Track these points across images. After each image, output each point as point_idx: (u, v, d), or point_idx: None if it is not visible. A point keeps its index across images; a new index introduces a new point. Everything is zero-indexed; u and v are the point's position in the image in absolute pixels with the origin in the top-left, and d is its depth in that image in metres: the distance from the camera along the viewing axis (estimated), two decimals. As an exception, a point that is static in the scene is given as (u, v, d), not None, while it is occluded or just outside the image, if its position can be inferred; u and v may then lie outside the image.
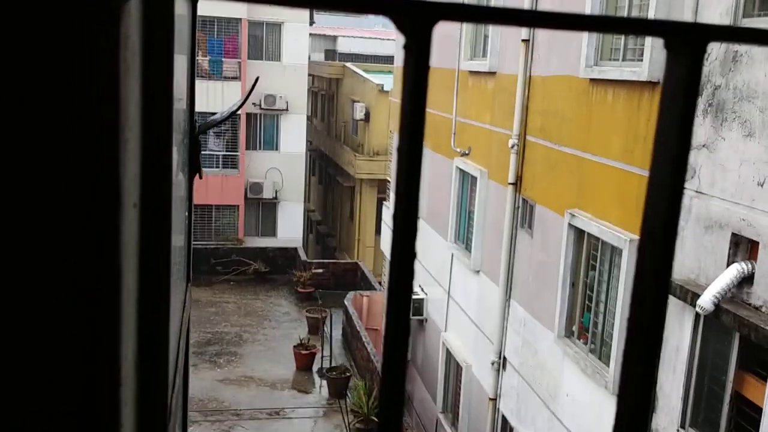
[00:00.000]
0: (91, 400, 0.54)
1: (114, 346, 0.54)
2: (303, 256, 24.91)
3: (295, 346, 17.90)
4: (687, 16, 6.85)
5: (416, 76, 0.40)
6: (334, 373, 16.65)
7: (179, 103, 1.46)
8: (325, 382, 16.84)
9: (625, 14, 8.15)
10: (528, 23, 0.42)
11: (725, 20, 6.41)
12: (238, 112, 25.34)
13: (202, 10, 24.60)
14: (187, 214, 1.73)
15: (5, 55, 0.47)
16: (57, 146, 0.49)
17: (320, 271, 23.16)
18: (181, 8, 1.37)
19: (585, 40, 8.65)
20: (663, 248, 0.47)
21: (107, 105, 0.49)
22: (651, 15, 7.40)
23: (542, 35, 10.01)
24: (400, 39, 0.40)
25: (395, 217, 0.41)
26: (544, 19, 0.42)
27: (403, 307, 0.43)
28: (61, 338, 0.52)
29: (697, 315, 6.57)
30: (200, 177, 1.80)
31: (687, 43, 0.46)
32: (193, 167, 1.72)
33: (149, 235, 0.72)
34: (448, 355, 13.34)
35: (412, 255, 0.42)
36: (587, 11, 8.58)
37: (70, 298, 0.52)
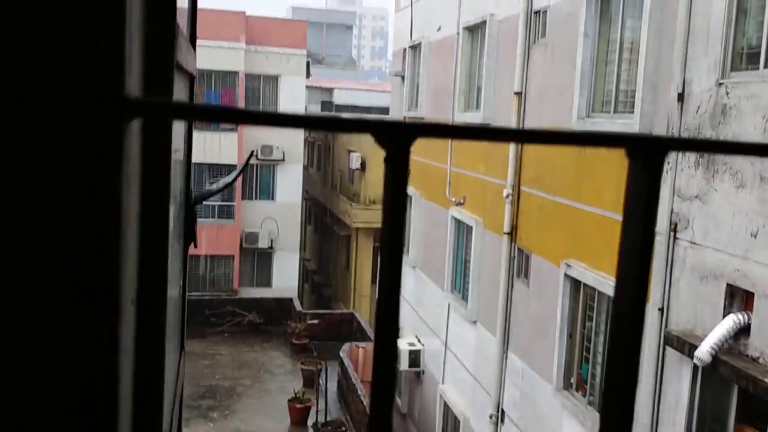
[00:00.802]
0: None
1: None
2: (298, 307, 24.76)
3: (289, 400, 17.65)
4: (676, 70, 6.98)
5: (395, 188, 0.42)
6: (329, 427, 16.38)
7: (176, 177, 1.48)
8: (320, 436, 16.55)
9: (615, 69, 8.30)
10: (494, 138, 0.44)
11: (713, 75, 6.53)
12: (235, 162, 25.51)
13: (200, 63, 25.00)
14: (181, 283, 1.74)
15: (13, 169, 0.50)
16: (59, 261, 0.51)
17: (315, 321, 22.99)
18: (178, 86, 1.41)
19: (577, 91, 8.79)
20: (630, 356, 0.49)
21: (109, 218, 0.52)
22: (641, 68, 7.54)
23: (534, 87, 10.18)
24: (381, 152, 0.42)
25: (376, 331, 0.42)
26: (512, 135, 0.44)
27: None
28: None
29: (695, 367, 6.52)
30: (195, 246, 1.82)
31: (647, 154, 0.49)
32: (189, 237, 1.73)
33: (144, 329, 0.74)
34: (446, 407, 13.17)
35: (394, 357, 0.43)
36: (578, 65, 8.74)
37: (69, 403, 0.53)
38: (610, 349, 0.54)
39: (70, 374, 0.53)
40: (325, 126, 0.40)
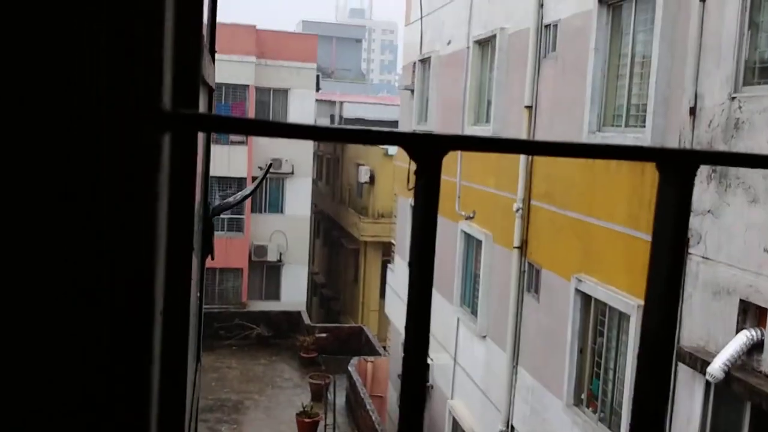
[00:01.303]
0: None
1: None
2: (306, 320, 24.72)
3: (297, 414, 17.58)
4: (688, 84, 6.95)
5: (426, 202, 0.40)
6: (337, 440, 16.29)
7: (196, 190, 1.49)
8: (328, 451, 16.46)
9: (626, 83, 8.28)
10: (527, 151, 0.43)
11: (725, 89, 6.50)
12: (244, 175, 25.59)
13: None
14: (199, 295, 1.73)
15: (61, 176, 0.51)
16: (97, 273, 0.53)
17: (324, 335, 22.94)
18: (201, 99, 1.41)
19: (588, 106, 8.77)
20: (662, 371, 0.47)
21: (144, 232, 0.54)
22: (652, 82, 7.52)
23: (545, 101, 10.17)
24: (413, 164, 0.40)
25: (406, 349, 0.40)
26: (542, 148, 0.43)
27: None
28: None
29: (708, 383, 6.45)
30: (212, 258, 1.81)
31: (678, 167, 0.48)
32: (207, 249, 1.73)
33: (169, 339, 0.74)
34: (455, 423, 13.07)
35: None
36: (589, 78, 8.73)
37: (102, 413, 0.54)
38: (639, 367, 0.53)
39: (109, 384, 0.55)
40: (356, 139, 0.39)
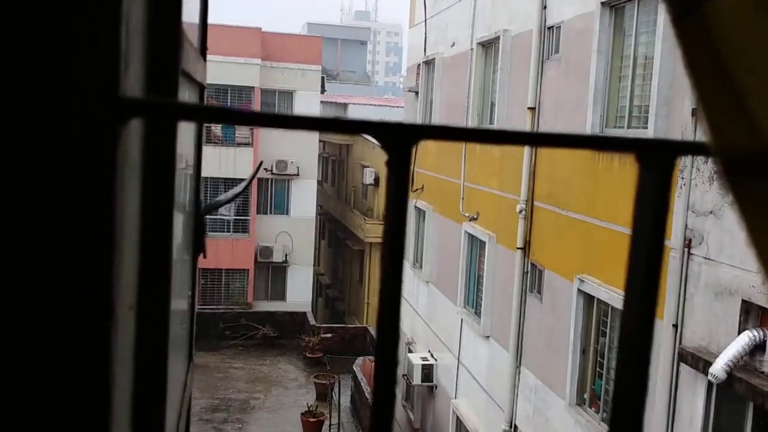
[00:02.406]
0: None
1: None
2: (312, 321, 24.75)
3: (302, 414, 17.61)
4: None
5: (397, 190, 0.44)
6: (342, 441, 16.32)
7: (186, 183, 1.52)
8: (333, 451, 16.49)
9: (629, 84, 8.31)
10: (501, 142, 0.46)
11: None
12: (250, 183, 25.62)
13: (216, 78, 25.20)
14: (190, 293, 1.77)
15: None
16: (51, 263, 0.51)
17: (329, 335, 22.97)
18: (189, 95, 1.44)
19: (590, 107, 8.80)
20: (640, 367, 0.49)
21: (102, 221, 0.51)
22: (654, 83, 7.54)
23: (548, 103, 10.19)
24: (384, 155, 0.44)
25: (377, 331, 0.44)
26: (519, 138, 0.46)
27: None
28: None
29: (710, 384, 6.47)
30: (204, 257, 1.84)
31: (657, 157, 0.49)
32: (198, 247, 1.76)
33: (146, 332, 0.75)
34: (459, 422, 13.09)
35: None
36: (591, 80, 8.76)
37: (55, 411, 0.52)
38: (619, 364, 0.52)
39: (63, 377, 0.53)
40: (325, 127, 0.43)
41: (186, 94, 1.27)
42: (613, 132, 8.55)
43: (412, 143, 0.43)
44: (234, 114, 0.46)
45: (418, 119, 15.98)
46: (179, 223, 1.32)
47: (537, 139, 0.50)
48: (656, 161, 0.49)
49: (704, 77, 0.47)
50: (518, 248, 10.66)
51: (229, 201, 2.97)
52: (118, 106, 0.51)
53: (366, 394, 17.46)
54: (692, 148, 0.52)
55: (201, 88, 1.66)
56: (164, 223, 0.78)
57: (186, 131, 1.46)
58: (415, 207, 16.10)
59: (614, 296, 8.15)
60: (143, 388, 0.77)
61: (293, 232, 27.19)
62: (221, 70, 24.78)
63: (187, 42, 1.05)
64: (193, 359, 1.95)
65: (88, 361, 0.53)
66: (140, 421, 0.78)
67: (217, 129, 26.09)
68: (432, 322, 14.91)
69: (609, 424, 0.52)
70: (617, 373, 0.52)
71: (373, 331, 23.21)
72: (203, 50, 1.77)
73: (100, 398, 0.53)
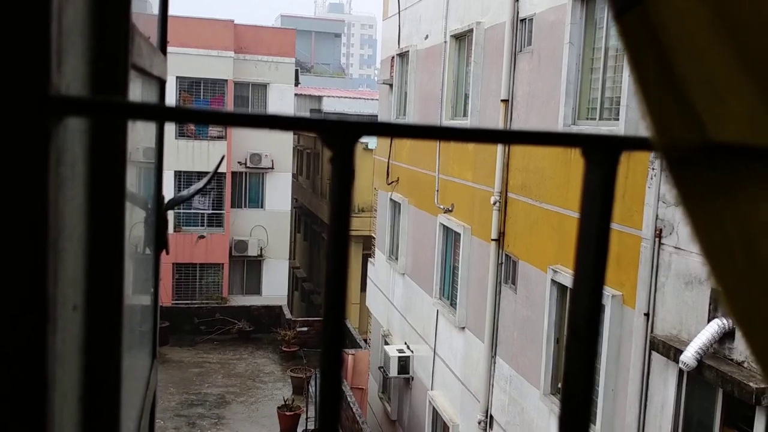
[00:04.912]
0: None
1: None
2: (288, 314, 24.70)
3: (279, 408, 17.59)
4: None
5: (341, 187, 0.44)
6: (319, 434, 16.32)
7: (147, 177, 1.50)
8: (310, 444, 16.49)
9: (600, 76, 8.38)
10: (441, 137, 0.46)
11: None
12: (224, 171, 25.48)
13: (189, 71, 24.95)
14: (153, 289, 1.75)
15: None
16: None
17: (305, 329, 22.95)
18: (144, 90, 1.42)
19: (563, 99, 8.86)
20: (587, 352, 0.50)
21: (33, 218, 0.50)
22: (625, 76, 7.61)
23: (521, 95, 10.25)
24: (328, 152, 0.44)
25: (324, 316, 0.44)
26: (458, 134, 0.46)
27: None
28: None
29: (681, 371, 6.57)
30: (167, 253, 1.83)
31: (602, 152, 0.50)
32: (160, 243, 1.75)
33: (95, 336, 0.74)
34: (435, 413, 13.16)
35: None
36: (563, 72, 8.81)
37: None
38: (567, 349, 0.53)
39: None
40: (269, 124, 0.42)
41: (140, 90, 1.25)
42: (585, 124, 8.62)
43: (353, 140, 0.43)
44: (168, 111, 0.45)
45: (393, 112, 15.98)
46: (138, 218, 1.31)
47: (483, 136, 0.50)
48: (601, 156, 0.49)
49: (647, 71, 0.47)
50: (493, 240, 10.72)
51: (191, 196, 2.95)
52: (48, 104, 0.49)
53: (342, 387, 17.45)
54: (636, 144, 0.53)
55: (161, 82, 1.64)
56: (114, 220, 0.77)
57: (147, 125, 1.44)
58: (390, 199, 16.11)
59: (587, 286, 8.22)
60: (94, 389, 0.76)
61: (268, 225, 27.09)
62: (194, 63, 24.55)
63: (139, 36, 1.03)
64: (158, 356, 1.93)
65: (21, 360, 0.51)
66: (91, 423, 0.77)
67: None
68: (408, 313, 14.96)
69: (560, 409, 0.52)
70: (566, 355, 0.52)
71: (348, 324, 23.24)
72: (163, 43, 1.75)
73: (35, 401, 0.52)
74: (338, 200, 0.43)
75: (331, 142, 0.42)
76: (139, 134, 1.27)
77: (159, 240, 1.71)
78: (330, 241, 0.45)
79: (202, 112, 0.41)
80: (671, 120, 0.47)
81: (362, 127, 0.43)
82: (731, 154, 0.45)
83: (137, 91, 1.16)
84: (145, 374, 1.57)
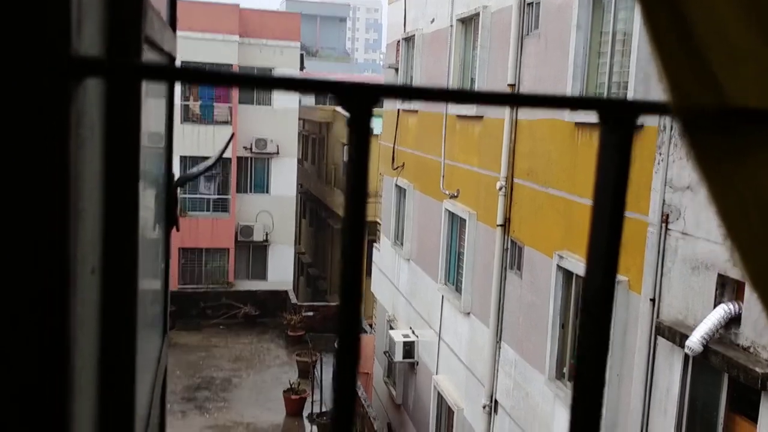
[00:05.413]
0: None
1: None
2: (293, 299, 24.79)
3: (285, 391, 17.70)
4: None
5: (358, 150, 0.44)
6: (324, 418, 16.44)
7: (157, 157, 1.50)
8: (315, 428, 16.61)
9: (608, 60, 8.32)
10: (459, 100, 0.46)
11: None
12: (229, 156, 25.48)
13: (194, 55, 24.92)
14: (164, 266, 1.75)
15: None
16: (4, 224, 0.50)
17: (311, 314, 23.04)
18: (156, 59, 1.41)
19: (570, 83, 8.81)
20: (601, 323, 0.49)
21: (55, 181, 0.50)
22: (633, 60, 7.56)
23: (528, 79, 10.19)
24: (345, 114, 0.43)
25: (341, 282, 0.44)
26: (474, 98, 0.45)
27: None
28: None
29: (686, 356, 6.57)
30: (177, 230, 1.83)
31: (619, 117, 0.49)
32: (170, 220, 1.75)
33: (112, 297, 0.74)
34: (440, 398, 13.22)
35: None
36: (571, 56, 8.76)
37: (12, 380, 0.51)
38: (581, 326, 0.52)
39: (22, 338, 0.52)
40: (284, 86, 0.42)
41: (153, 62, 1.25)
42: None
43: (372, 102, 0.43)
44: (184, 73, 0.45)
45: (398, 96, 15.92)
46: (150, 194, 1.31)
47: (501, 99, 0.49)
48: (618, 120, 0.49)
49: (664, 33, 0.46)
50: (498, 225, 10.71)
51: (200, 173, 2.96)
52: (69, 63, 0.50)
53: (348, 372, 17.53)
54: (653, 108, 0.52)
55: (171, 59, 1.64)
56: (129, 182, 0.77)
57: (156, 106, 1.44)
58: (396, 185, 16.10)
59: (593, 271, 8.22)
60: (109, 350, 0.77)
61: (274, 211, 27.12)
62: (199, 47, 24.49)
63: (152, 9, 1.03)
64: (169, 334, 1.94)
65: (45, 320, 0.51)
66: (108, 385, 0.78)
67: (195, 107, 25.86)
68: (413, 299, 14.99)
69: (572, 388, 0.52)
70: (580, 335, 0.52)
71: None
72: (173, 22, 1.74)
73: (59, 361, 0.52)
74: (356, 160, 0.42)
75: (349, 105, 0.42)
76: (150, 116, 1.27)
77: (169, 217, 1.72)
78: (347, 207, 0.44)
79: (217, 74, 0.41)
80: (689, 83, 0.47)
81: (380, 89, 0.43)
82: (745, 117, 0.44)
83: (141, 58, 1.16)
84: (156, 352, 1.58)
